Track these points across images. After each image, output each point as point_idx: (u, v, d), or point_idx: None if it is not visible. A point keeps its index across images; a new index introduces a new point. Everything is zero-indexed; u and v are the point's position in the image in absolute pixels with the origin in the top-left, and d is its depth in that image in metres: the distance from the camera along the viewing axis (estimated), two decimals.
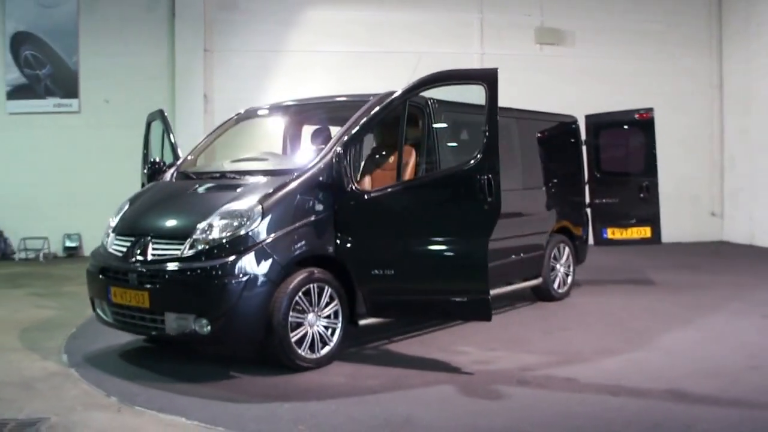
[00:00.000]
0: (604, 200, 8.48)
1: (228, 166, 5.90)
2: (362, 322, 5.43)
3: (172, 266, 4.90)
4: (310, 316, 5.09)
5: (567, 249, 8.01)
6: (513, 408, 4.28)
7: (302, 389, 4.68)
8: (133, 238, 5.23)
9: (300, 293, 5.00)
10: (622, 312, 7.17)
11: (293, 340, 4.96)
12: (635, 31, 14.31)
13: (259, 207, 4.95)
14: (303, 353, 5.02)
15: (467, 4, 14.16)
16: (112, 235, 5.51)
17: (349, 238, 5.25)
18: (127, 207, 5.75)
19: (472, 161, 4.95)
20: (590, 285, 8.78)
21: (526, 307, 7.57)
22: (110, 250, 5.40)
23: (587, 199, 8.55)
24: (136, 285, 5.00)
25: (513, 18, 14.11)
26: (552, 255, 7.74)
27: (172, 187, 5.88)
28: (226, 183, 5.52)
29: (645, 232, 8.38)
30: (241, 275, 4.78)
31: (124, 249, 5.22)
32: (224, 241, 4.85)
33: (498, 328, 6.47)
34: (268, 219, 4.95)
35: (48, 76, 13.29)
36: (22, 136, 13.06)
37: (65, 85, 13.36)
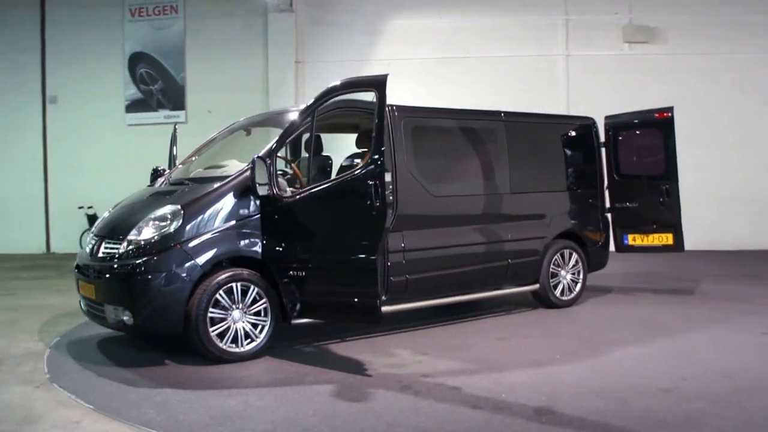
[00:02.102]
0: (624, 204, 8.00)
1: (193, 174, 6.45)
2: (295, 321, 5.73)
3: (109, 263, 5.53)
4: (236, 313, 5.48)
5: (574, 255, 7.67)
6: (361, 411, 4.31)
7: (208, 379, 5.07)
8: (96, 238, 5.94)
9: (222, 291, 5.40)
10: (609, 323, 6.80)
11: (214, 333, 5.38)
12: (734, 24, 13.13)
13: (181, 211, 5.43)
14: (224, 346, 5.40)
15: (551, 5, 13.82)
16: (90, 234, 6.28)
17: (271, 241, 5.57)
18: (109, 211, 6.49)
19: (363, 167, 5.07)
20: (614, 293, 8.37)
21: (522, 313, 7.41)
22: (86, 248, 6.16)
23: (607, 204, 8.12)
24: (89, 279, 5.71)
25: (599, 17, 13.57)
26: (552, 261, 7.47)
27: (141, 194, 6.52)
28: (174, 189, 6.05)
29: (667, 239, 7.80)
30: (160, 272, 5.28)
31: (90, 247, 5.95)
32: (150, 241, 5.39)
33: (460, 332, 6.51)
34: (189, 222, 5.41)
35: (159, 90, 14.85)
36: (139, 145, 14.60)
37: (174, 98, 14.84)
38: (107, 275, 5.51)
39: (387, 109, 6.19)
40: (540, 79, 13.59)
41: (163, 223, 5.43)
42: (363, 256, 5.05)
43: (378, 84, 5.08)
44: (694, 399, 4.42)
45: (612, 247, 8.25)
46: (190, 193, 5.70)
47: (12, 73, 14.84)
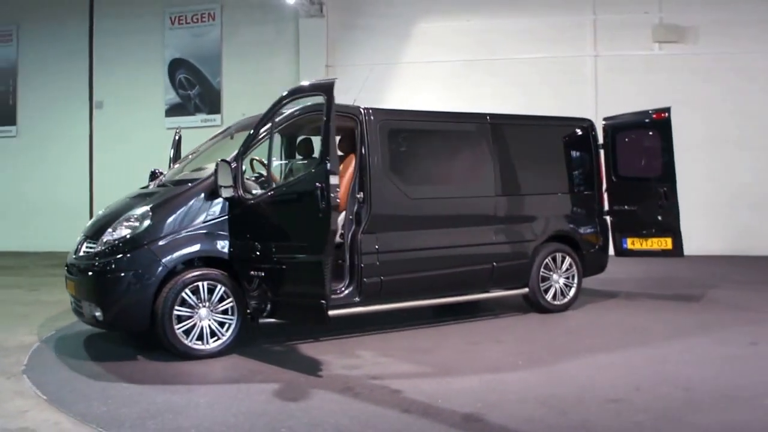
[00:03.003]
0: (622, 207, 7.78)
1: (178, 176, 6.66)
2: (262, 320, 5.85)
3: (86, 262, 5.79)
4: (203, 311, 5.65)
5: (568, 259, 7.51)
6: (290, 411, 4.34)
7: (168, 374, 5.22)
8: (82, 237, 6.23)
9: (188, 290, 5.58)
10: (593, 329, 6.65)
11: (180, 330, 5.55)
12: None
13: (149, 212, 5.64)
14: (189, 343, 5.57)
15: (579, 6, 13.56)
16: (81, 235, 6.58)
17: (235, 242, 5.71)
18: (99, 212, 6.79)
19: (311, 170, 5.14)
20: (619, 298, 8.23)
21: (510, 317, 7.33)
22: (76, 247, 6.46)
23: (606, 206, 7.93)
24: (73, 277, 5.99)
25: (628, 17, 13.21)
26: (543, 264, 7.34)
27: (128, 196, 6.78)
28: (157, 191, 6.26)
29: (666, 243, 7.54)
30: (127, 271, 5.50)
31: (76, 246, 6.24)
32: (120, 241, 5.62)
33: (436, 335, 6.52)
34: (157, 223, 5.61)
35: (197, 95, 15.33)
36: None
37: (210, 102, 15.29)
38: (84, 273, 5.77)
39: (364, 112, 6.36)
40: (568, 81, 13.32)
41: (133, 224, 5.65)
42: (311, 257, 5.11)
43: (325, 88, 5.15)
44: (638, 412, 4.27)
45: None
46: (163, 195, 5.91)
47: (63, 80, 15.59)
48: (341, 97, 14.58)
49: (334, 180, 4.98)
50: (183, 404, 4.52)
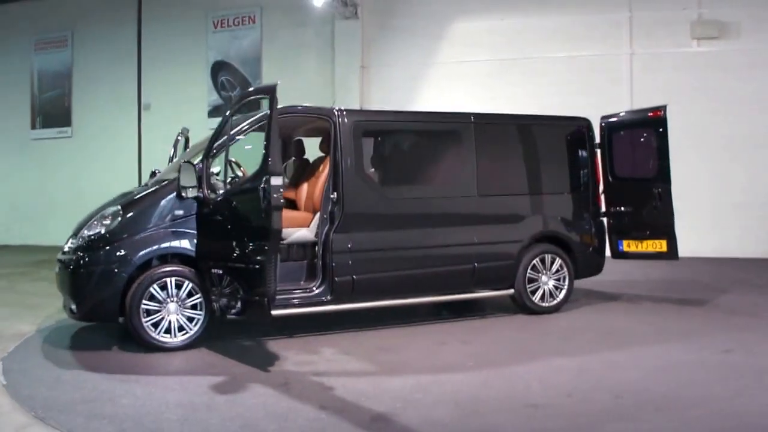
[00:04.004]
0: (617, 209, 7.55)
1: (159, 176, 6.93)
2: (229, 316, 6.03)
3: (66, 258, 6.11)
4: (171, 306, 5.88)
5: (558, 260, 7.36)
6: (215, 404, 4.45)
7: (130, 364, 5.48)
8: (70, 234, 6.59)
9: (156, 285, 5.82)
10: (568, 332, 6.52)
11: (149, 324, 5.80)
12: None
13: (120, 211, 5.92)
14: (156, 336, 5.80)
15: (614, 3, 13.18)
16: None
17: (199, 240, 5.91)
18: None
19: (256, 171, 5.27)
20: (618, 301, 8.05)
21: (494, 318, 7.29)
22: None
23: (602, 208, 7.72)
24: (56, 272, 6.35)
25: (665, 14, 12.74)
26: (530, 266, 7.22)
27: (116, 195, 7.10)
28: (131, 191, 6.54)
29: (660, 245, 7.28)
30: (98, 267, 5.80)
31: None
32: (93, 238, 5.92)
33: (407, 335, 6.54)
34: (126, 221, 5.88)
35: None
36: None
37: (250, 104, 15.60)
38: (63, 268, 6.10)
39: (337, 113, 6.46)
40: (602, 79, 12.95)
41: (105, 222, 5.95)
42: (256, 256, 5.24)
43: (269, 91, 5.28)
44: (552, 418, 4.18)
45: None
46: (135, 194, 6.18)
47: (114, 83, 16.37)
48: (378, 96, 14.44)
49: (275, 180, 5.09)
50: (122, 392, 4.72)
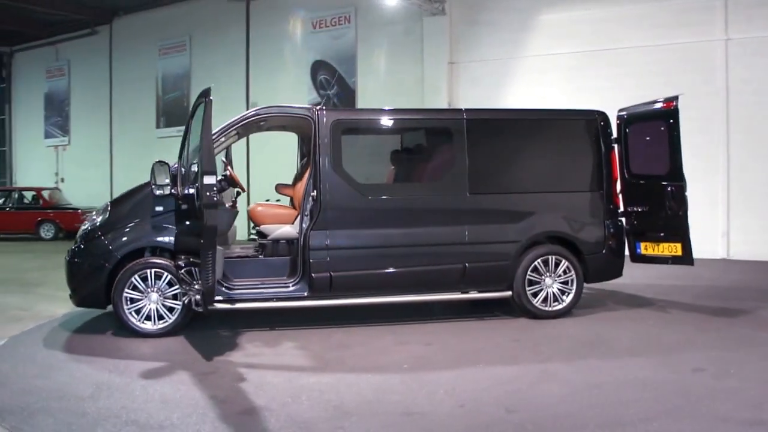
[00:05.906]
0: (633, 208, 6.95)
1: None
2: (194, 308, 6.31)
3: (69, 250, 6.76)
4: (153, 295, 6.33)
5: (564, 262, 6.91)
6: (144, 394, 4.68)
7: (110, 348, 6.00)
8: None
9: (137, 276, 6.29)
10: (548, 340, 6.15)
11: (131, 311, 6.29)
12: None
13: (108, 207, 6.46)
14: (137, 322, 6.27)
15: None
16: None
17: (176, 235, 6.29)
18: None
19: (196, 171, 5.52)
20: (633, 307, 7.43)
21: (490, 320, 7.01)
22: None
23: (621, 207, 7.14)
24: None
25: None
26: (530, 267, 6.86)
27: None
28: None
29: (675, 249, 6.62)
30: (86, 258, 6.40)
31: None
32: (85, 232, 6.53)
33: (386, 334, 6.49)
34: (113, 216, 6.41)
35: (335, 95, 16.26)
36: None
37: (346, 101, 16.12)
38: (65, 259, 6.76)
39: (317, 112, 6.56)
40: (694, 69, 11.86)
41: (96, 217, 6.53)
42: (201, 251, 5.49)
43: (204, 95, 5.52)
44: (418, 428, 4.04)
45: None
46: (126, 191, 6.70)
47: (226, 83, 17.47)
48: (469, 93, 13.97)
49: (207, 179, 5.31)
50: (81, 375, 5.13)
